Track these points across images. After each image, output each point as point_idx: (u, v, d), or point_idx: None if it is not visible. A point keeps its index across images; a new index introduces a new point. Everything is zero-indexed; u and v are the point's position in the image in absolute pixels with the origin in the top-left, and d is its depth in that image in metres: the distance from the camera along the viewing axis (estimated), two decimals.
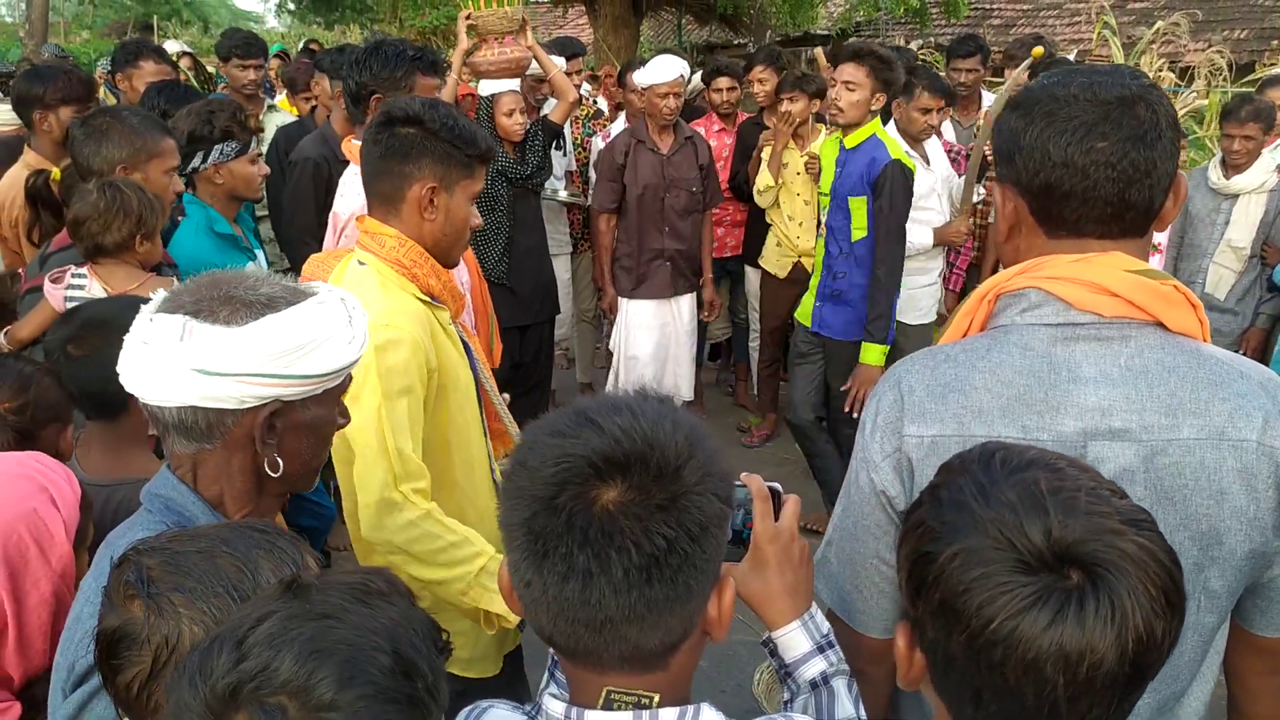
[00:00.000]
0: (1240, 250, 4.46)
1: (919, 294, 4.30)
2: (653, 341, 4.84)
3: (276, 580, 0.88)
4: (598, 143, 5.32)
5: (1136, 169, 1.15)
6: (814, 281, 4.12)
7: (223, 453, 1.26)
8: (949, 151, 4.51)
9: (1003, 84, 5.02)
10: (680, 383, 4.98)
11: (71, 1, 33.29)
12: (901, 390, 1.25)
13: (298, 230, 3.83)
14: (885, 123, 3.93)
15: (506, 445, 2.28)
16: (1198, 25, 10.15)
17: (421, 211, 1.92)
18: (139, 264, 2.45)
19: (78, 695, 1.16)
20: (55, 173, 2.90)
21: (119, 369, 1.23)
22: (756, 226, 5.10)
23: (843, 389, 3.90)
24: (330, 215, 2.98)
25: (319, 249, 3.13)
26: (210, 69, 7.81)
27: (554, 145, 4.65)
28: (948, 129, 4.85)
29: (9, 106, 3.60)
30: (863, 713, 1.17)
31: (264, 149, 4.01)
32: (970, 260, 4.82)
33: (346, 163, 3.52)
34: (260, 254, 3.20)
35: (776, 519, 1.19)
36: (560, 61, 4.66)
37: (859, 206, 3.80)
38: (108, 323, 1.82)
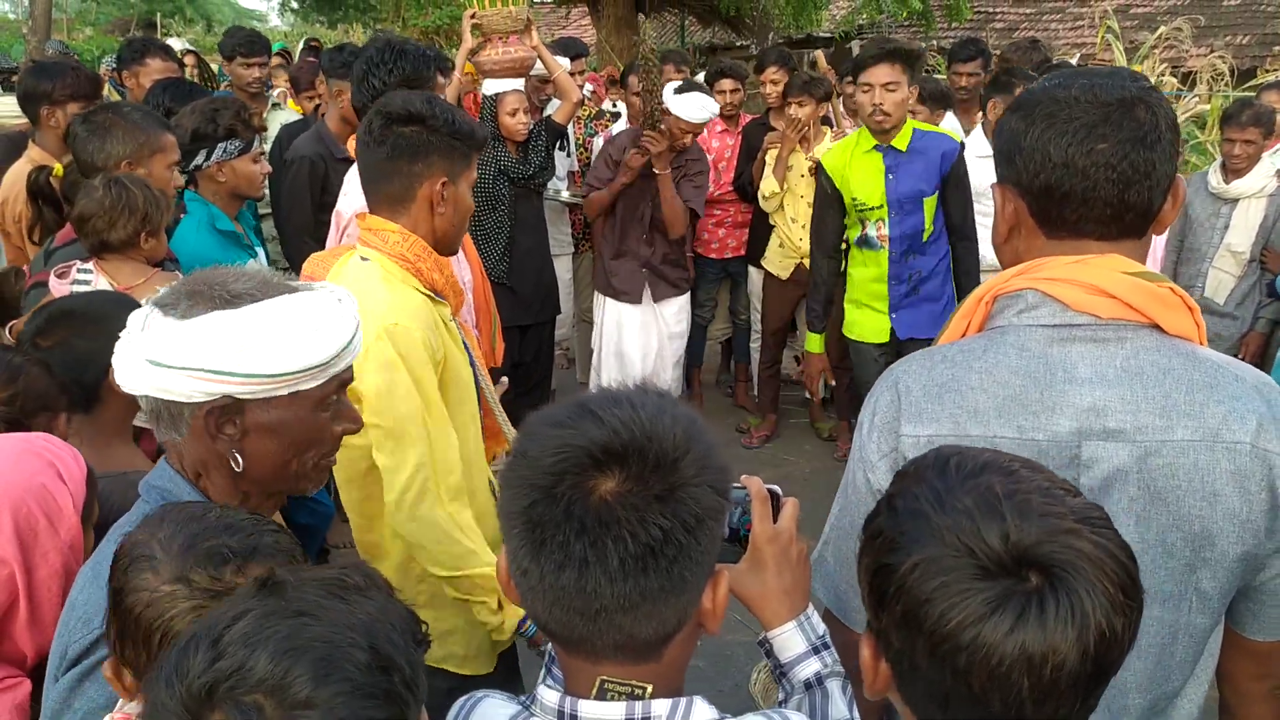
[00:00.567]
0: (1240, 255, 4.46)
1: None
2: (633, 341, 4.82)
3: (252, 579, 0.88)
4: (599, 143, 5.31)
5: (1136, 170, 1.16)
6: (863, 298, 3.90)
7: (193, 445, 1.27)
8: None
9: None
10: (664, 385, 4.95)
11: None
12: (899, 390, 1.25)
13: (294, 228, 3.84)
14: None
15: (501, 444, 2.29)
16: (1200, 30, 10.15)
17: (434, 207, 1.93)
18: (144, 260, 2.46)
19: (69, 677, 1.17)
20: (58, 168, 2.91)
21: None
22: (760, 227, 5.10)
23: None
24: (334, 214, 2.98)
25: (316, 247, 3.14)
26: (214, 67, 7.81)
27: (557, 146, 4.64)
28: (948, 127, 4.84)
29: (12, 100, 3.60)
30: (856, 714, 1.17)
31: (267, 148, 4.01)
32: None
33: (342, 161, 3.54)
34: (261, 251, 3.21)
35: (775, 520, 1.20)
36: (565, 62, 4.66)
37: (932, 205, 3.70)
38: (74, 314, 1.83)
